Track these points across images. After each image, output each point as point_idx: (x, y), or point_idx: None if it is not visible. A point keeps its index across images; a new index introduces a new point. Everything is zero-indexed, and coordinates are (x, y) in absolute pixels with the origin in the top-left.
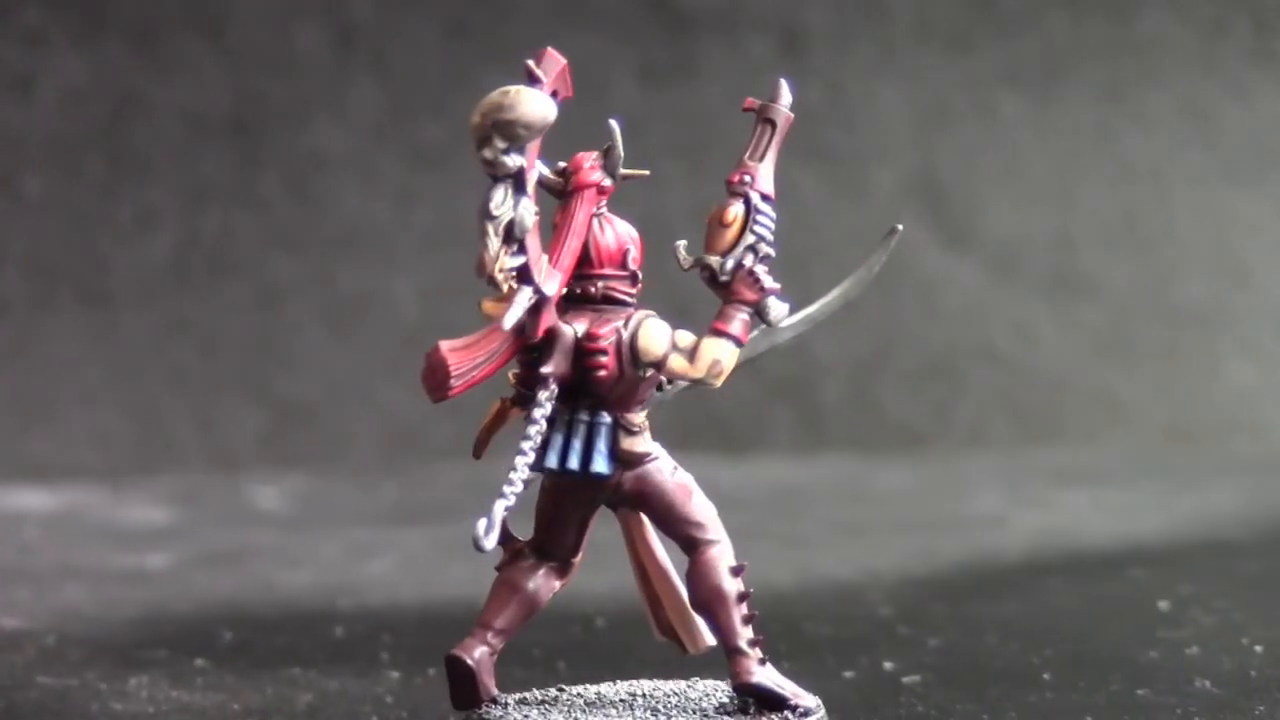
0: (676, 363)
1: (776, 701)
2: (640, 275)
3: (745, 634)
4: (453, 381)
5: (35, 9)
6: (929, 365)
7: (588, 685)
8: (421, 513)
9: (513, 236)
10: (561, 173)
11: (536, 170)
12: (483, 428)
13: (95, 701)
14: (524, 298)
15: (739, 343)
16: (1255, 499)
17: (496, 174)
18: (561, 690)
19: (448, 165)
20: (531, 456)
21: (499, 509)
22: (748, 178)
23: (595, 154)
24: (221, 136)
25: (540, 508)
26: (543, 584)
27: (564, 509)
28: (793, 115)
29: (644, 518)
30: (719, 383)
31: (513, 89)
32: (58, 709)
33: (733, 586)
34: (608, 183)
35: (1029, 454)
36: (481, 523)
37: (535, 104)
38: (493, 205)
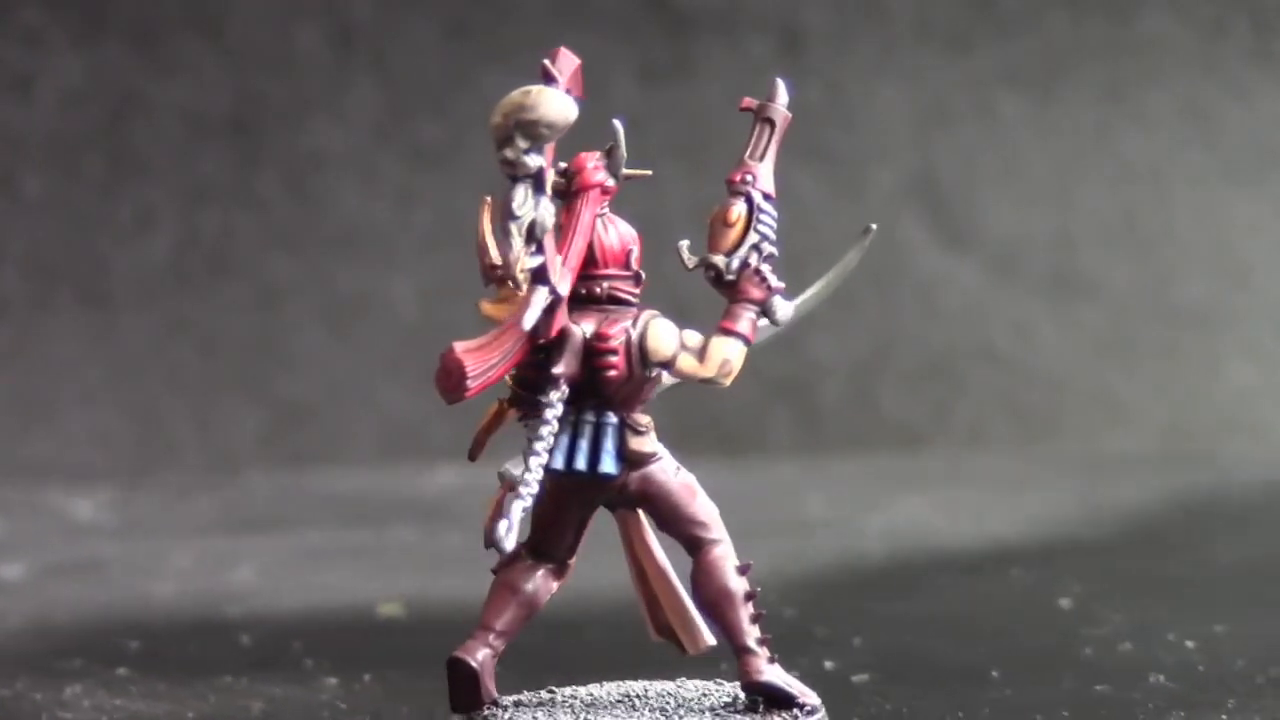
0: (686, 362)
1: (785, 700)
2: (643, 275)
3: (753, 633)
4: (469, 382)
5: (35, 9)
6: (929, 365)
7: (578, 687)
8: (255, 522)
9: (533, 236)
10: (564, 173)
11: (551, 170)
12: (480, 429)
13: (44, 711)
14: (540, 298)
15: (747, 341)
16: (1116, 497)
17: (517, 174)
18: (553, 692)
19: (448, 165)
20: (545, 457)
21: (517, 510)
22: (749, 177)
23: (598, 154)
24: (221, 136)
25: (540, 508)
26: (541, 585)
27: (566, 510)
28: (790, 115)
29: (642, 517)
30: (728, 382)
31: (534, 89)
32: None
33: (739, 585)
34: (611, 183)
35: (882, 459)
36: (502, 524)
37: (557, 103)
38: (515, 205)
